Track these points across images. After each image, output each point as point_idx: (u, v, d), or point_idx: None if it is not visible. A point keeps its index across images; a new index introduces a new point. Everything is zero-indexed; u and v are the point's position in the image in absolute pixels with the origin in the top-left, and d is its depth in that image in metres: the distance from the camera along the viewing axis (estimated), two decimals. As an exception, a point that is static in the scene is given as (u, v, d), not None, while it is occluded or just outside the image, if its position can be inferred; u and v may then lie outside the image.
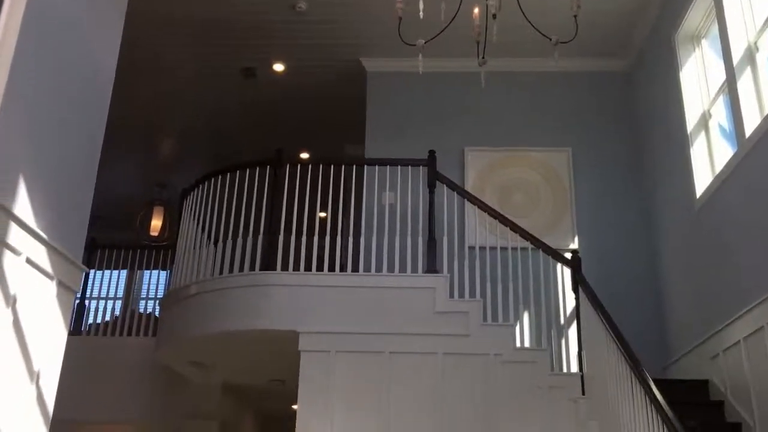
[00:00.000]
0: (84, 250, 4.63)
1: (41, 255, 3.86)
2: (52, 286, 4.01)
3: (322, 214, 6.35)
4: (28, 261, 3.74)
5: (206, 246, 6.17)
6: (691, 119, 6.10)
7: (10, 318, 3.60)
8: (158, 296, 9.40)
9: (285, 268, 5.79)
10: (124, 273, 9.27)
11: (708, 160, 5.94)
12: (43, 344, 3.95)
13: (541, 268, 5.83)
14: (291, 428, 5.44)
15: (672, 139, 6.46)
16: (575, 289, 5.64)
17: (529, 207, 7.23)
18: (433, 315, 5.63)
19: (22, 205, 3.70)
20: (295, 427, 5.40)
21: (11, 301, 3.60)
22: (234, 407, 7.95)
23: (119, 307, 8.76)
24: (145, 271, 9.50)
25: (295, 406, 5.51)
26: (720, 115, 5.91)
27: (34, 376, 3.89)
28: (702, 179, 5.88)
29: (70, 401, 6.56)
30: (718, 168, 5.61)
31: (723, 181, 5.36)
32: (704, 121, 6.01)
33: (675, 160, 6.40)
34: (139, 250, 8.51)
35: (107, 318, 8.11)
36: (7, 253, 3.56)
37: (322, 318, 5.63)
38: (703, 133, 6.02)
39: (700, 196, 5.81)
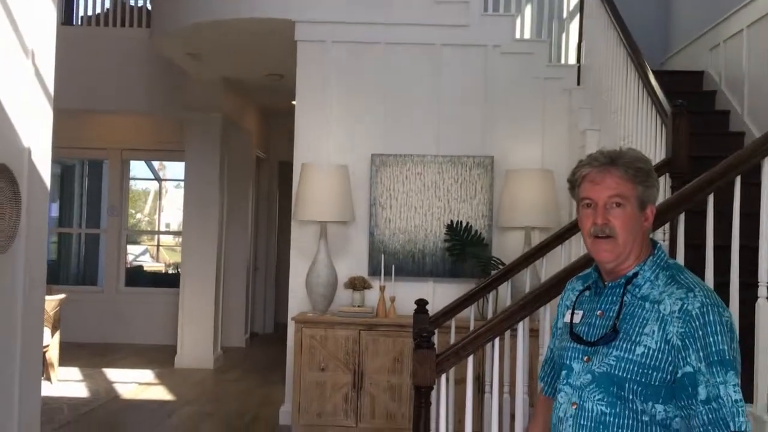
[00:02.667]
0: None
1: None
2: (32, -38, 3.83)
3: None
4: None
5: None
6: None
7: (-6, -8, 3.49)
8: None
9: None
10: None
11: None
12: (33, 25, 3.89)
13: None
14: (292, 123, 5.59)
15: None
16: (581, -22, 5.41)
17: None
18: (432, 4, 5.47)
19: None
20: (294, 121, 5.57)
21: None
22: (236, 102, 8.10)
23: None
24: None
25: (294, 102, 5.61)
26: None
27: (29, 54, 3.89)
28: None
29: (72, 91, 6.71)
30: None
31: None
32: None
33: None
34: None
35: (98, 10, 7.92)
36: None
37: (318, 5, 5.49)
38: None
39: None
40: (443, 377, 2.53)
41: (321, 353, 5.03)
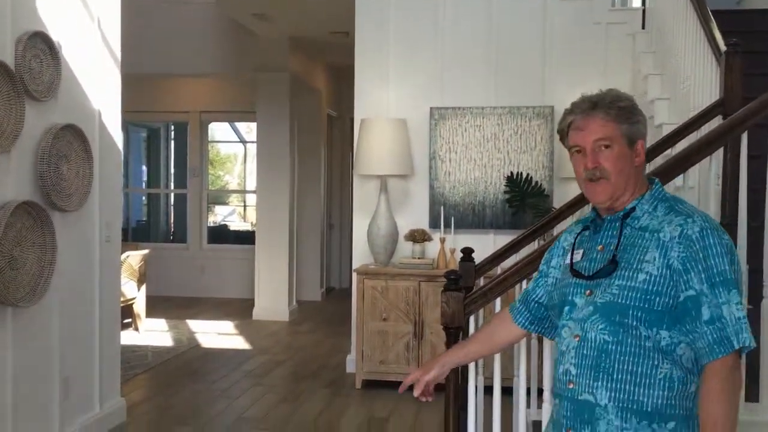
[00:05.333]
0: None
1: None
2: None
3: None
4: None
5: None
6: None
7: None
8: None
9: None
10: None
11: None
12: (97, -9, 4.12)
13: None
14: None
15: None
16: None
17: None
18: (490, -48, 5.38)
19: None
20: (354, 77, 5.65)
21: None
22: (303, 61, 8.24)
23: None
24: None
25: (358, 58, 5.69)
26: None
27: (95, 20, 4.12)
28: None
29: (140, 56, 7.01)
30: None
31: None
32: None
33: None
34: None
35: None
36: None
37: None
38: None
39: None
40: (471, 318, 2.60)
41: (382, 304, 5.18)
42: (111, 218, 4.32)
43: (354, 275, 5.39)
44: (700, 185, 3.33)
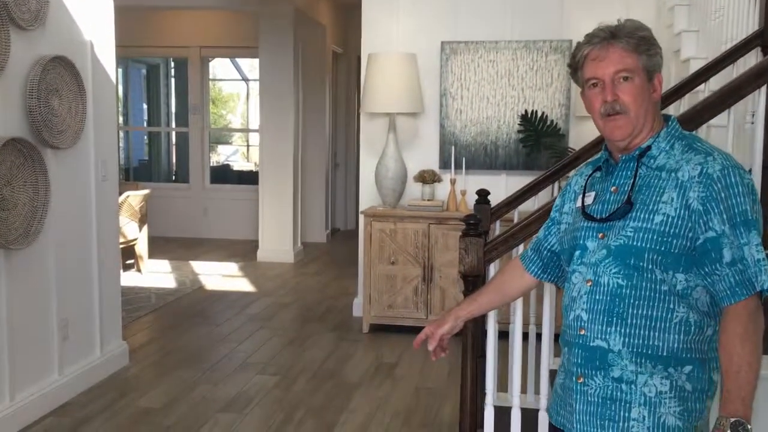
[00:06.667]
0: None
1: None
2: None
3: None
4: None
5: None
6: None
7: None
8: None
9: None
10: None
11: None
12: None
13: None
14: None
15: None
16: None
17: None
18: None
19: None
20: (361, 10, 5.36)
21: None
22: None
23: None
24: None
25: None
26: None
27: (84, -56, 3.84)
28: None
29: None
30: None
31: None
32: None
33: None
34: None
35: None
36: None
37: None
38: None
39: None
40: (491, 266, 2.43)
41: (391, 247, 5.02)
42: (106, 156, 4.13)
43: (361, 217, 5.21)
44: (735, 123, 3.11)
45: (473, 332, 2.41)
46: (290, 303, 6.00)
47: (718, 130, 3.15)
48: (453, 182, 5.11)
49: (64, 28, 3.69)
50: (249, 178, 10.47)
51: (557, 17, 5.09)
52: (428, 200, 5.11)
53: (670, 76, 4.40)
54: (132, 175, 10.78)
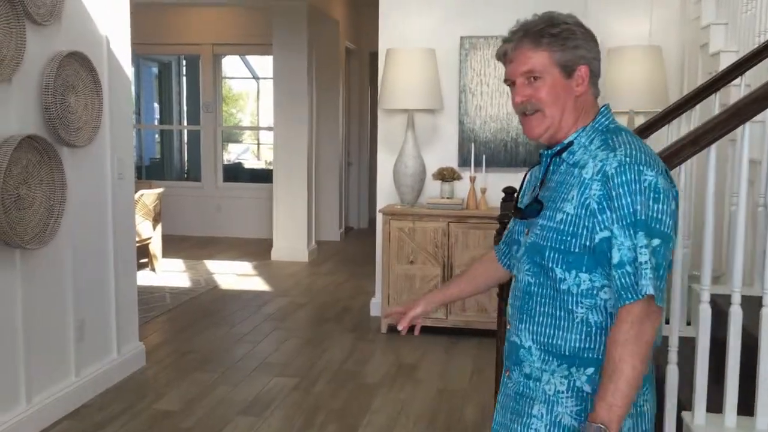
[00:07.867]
0: None
1: None
2: None
3: None
4: None
5: None
6: None
7: None
8: None
9: None
10: None
11: None
12: None
13: None
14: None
15: None
16: None
17: None
18: None
19: None
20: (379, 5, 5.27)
21: None
22: (322, -10, 7.81)
23: None
24: None
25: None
26: None
27: (100, -62, 3.77)
28: None
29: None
30: None
31: None
32: None
33: None
34: None
35: None
36: None
37: None
38: None
39: None
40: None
41: (409, 246, 4.94)
42: (123, 154, 4.06)
43: (379, 216, 5.13)
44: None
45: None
46: (306, 303, 5.92)
47: (753, 126, 3.05)
48: (473, 180, 5.01)
49: (79, 23, 3.62)
50: (261, 176, 10.39)
51: (581, 10, 4.95)
52: (447, 198, 5.02)
53: (698, 70, 4.30)
54: (144, 173, 10.73)
